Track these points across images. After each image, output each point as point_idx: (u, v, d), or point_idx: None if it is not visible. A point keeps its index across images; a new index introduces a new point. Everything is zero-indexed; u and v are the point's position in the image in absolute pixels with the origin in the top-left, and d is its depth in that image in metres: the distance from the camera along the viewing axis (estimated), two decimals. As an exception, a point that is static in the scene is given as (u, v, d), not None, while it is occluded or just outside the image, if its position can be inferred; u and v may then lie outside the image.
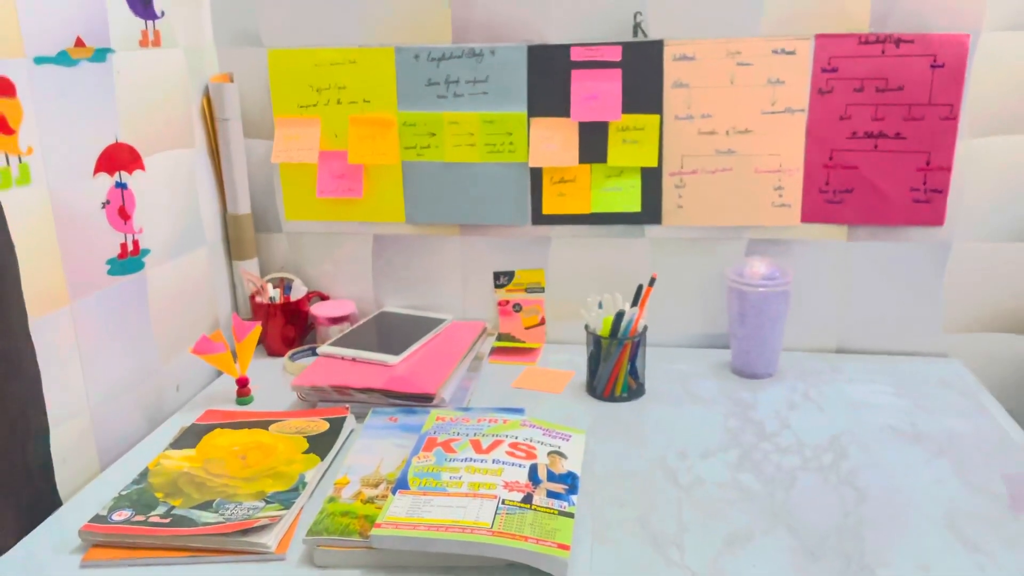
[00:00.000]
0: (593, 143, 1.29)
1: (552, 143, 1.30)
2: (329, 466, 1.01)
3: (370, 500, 0.90)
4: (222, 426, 1.10)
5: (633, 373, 1.20)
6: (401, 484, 0.91)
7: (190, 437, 1.08)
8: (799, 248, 1.30)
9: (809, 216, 1.28)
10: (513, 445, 0.98)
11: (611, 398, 1.19)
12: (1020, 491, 0.93)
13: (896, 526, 0.88)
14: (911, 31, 1.19)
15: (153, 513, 0.90)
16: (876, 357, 1.31)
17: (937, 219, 1.25)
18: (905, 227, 1.27)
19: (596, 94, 1.27)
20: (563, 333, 1.39)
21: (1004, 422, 1.10)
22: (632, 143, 1.29)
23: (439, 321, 1.36)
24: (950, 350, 1.31)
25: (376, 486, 0.93)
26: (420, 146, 1.34)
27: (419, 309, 1.42)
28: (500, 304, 1.39)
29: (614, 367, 1.18)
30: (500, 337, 1.40)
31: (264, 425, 1.09)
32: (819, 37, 1.21)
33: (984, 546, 0.84)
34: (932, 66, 1.20)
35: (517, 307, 1.39)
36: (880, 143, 1.23)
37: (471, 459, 0.95)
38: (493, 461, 0.95)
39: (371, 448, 1.02)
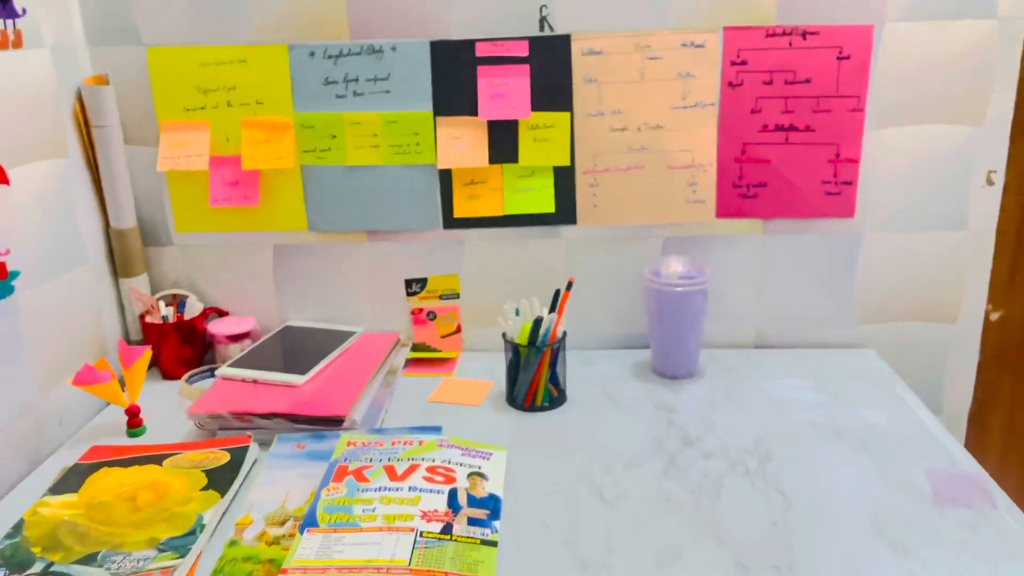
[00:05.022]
0: (503, 143, 1.24)
1: (461, 143, 1.24)
2: (230, 503, 0.93)
3: (275, 541, 0.83)
4: (109, 464, 1.00)
5: (554, 380, 1.15)
6: (309, 521, 0.84)
7: (72, 479, 0.98)
8: (715, 244, 1.28)
9: (724, 211, 1.26)
10: (430, 469, 0.93)
11: (532, 408, 1.15)
12: (942, 486, 0.93)
13: (824, 532, 0.86)
14: (817, 23, 1.18)
15: (30, 571, 0.81)
16: (794, 351, 1.31)
17: (848, 211, 1.25)
18: (818, 219, 1.26)
19: (504, 91, 1.22)
20: (481, 340, 1.34)
21: (920, 413, 1.10)
22: (543, 141, 1.24)
23: (348, 334, 1.29)
24: (864, 340, 1.32)
25: (282, 524, 0.86)
26: (320, 149, 1.26)
27: (327, 322, 1.34)
28: (413, 313, 1.33)
29: (534, 376, 1.13)
30: (415, 347, 1.34)
31: (157, 460, 1.00)
32: (727, 30, 1.19)
33: (912, 548, 0.83)
34: (838, 58, 1.19)
35: (431, 315, 1.33)
36: (791, 136, 1.22)
37: (385, 488, 0.89)
38: (409, 489, 0.89)
39: (276, 480, 0.95)
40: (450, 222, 1.28)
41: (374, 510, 0.85)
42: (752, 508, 0.91)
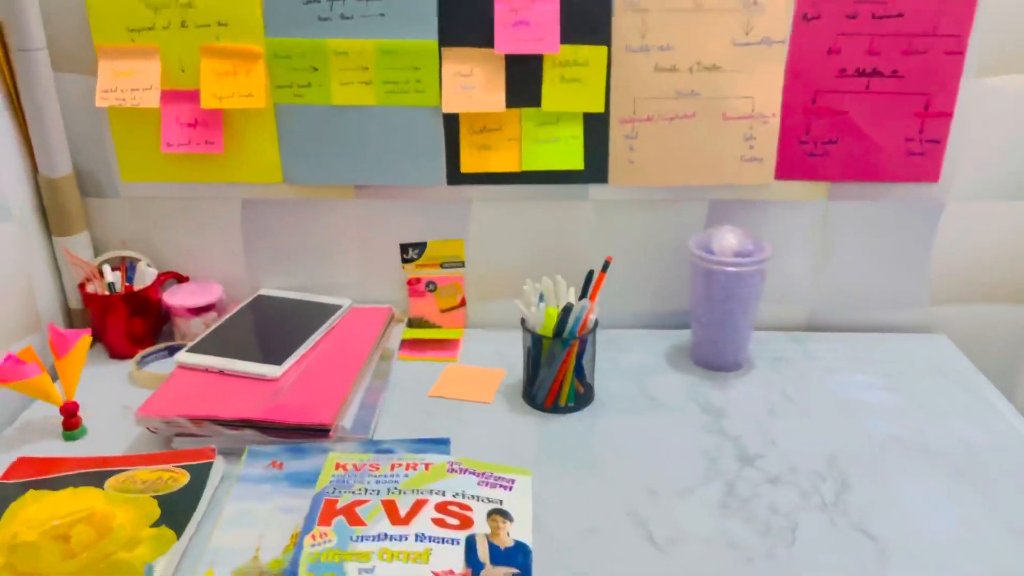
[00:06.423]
0: (524, 82, 1.02)
1: (471, 82, 1.01)
2: (187, 546, 0.74)
3: (245, 614, 0.65)
4: (37, 484, 0.80)
5: (579, 374, 0.96)
6: (289, 588, 0.65)
7: (-9, 506, 0.78)
8: (770, 210, 1.08)
9: (785, 172, 1.06)
10: (441, 507, 0.74)
11: (555, 409, 0.96)
12: (1066, 532, 0.76)
13: (935, 598, 0.70)
14: (917, -58, 0.96)
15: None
16: (852, 335, 1.12)
17: (932, 174, 1.05)
18: (894, 184, 1.06)
19: (527, 18, 0.98)
20: (488, 316, 1.14)
21: (1018, 425, 0.93)
22: (573, 82, 1.01)
23: (333, 308, 1.09)
24: (933, 324, 1.14)
25: (254, 587, 0.68)
26: (298, 85, 1.03)
27: (306, 292, 1.13)
28: (410, 283, 1.12)
29: (558, 372, 0.94)
30: (411, 323, 1.14)
31: (98, 480, 0.81)
32: (807, -53, 0.96)
33: (1044, 621, 0.67)
34: (940, -13, 0.97)
35: (431, 286, 1.13)
36: (873, 83, 1.01)
37: (386, 536, 0.70)
38: (417, 537, 0.70)
39: (247, 515, 0.76)
40: (456, 177, 1.07)
41: (372, 571, 0.66)
42: (838, 559, 0.73)
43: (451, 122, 1.04)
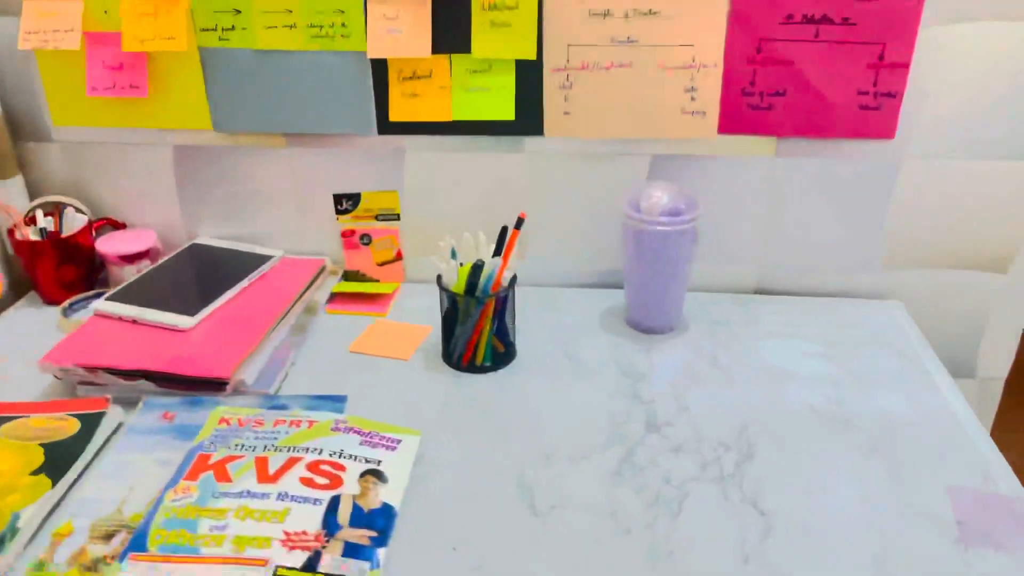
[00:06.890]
0: (452, 26, 0.97)
1: (397, 25, 0.97)
2: (63, 497, 0.74)
3: (93, 566, 0.65)
4: (-66, 428, 0.81)
5: (501, 333, 0.94)
6: (137, 543, 0.65)
7: None
8: (715, 166, 1.03)
9: (729, 126, 1.00)
10: (313, 466, 0.73)
11: (471, 368, 0.94)
12: (969, 516, 0.72)
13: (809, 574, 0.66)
14: None
15: None
16: (802, 300, 1.08)
17: (887, 131, 0.99)
18: (846, 140, 1.00)
19: (452, -42, 0.94)
20: (425, 270, 1.11)
21: (950, 397, 0.88)
22: (503, 27, 0.97)
23: (264, 259, 1.07)
24: (889, 290, 1.08)
25: (109, 539, 0.67)
26: (222, 28, 1.00)
27: (243, 241, 1.12)
28: (344, 235, 1.10)
29: (474, 331, 0.91)
30: (347, 276, 1.12)
31: (-8, 426, 0.81)
32: None
33: (922, 608, 0.63)
34: (897, -74, 0.89)
35: (365, 239, 1.10)
36: (823, 30, 0.94)
37: (248, 493, 0.69)
38: (278, 496, 0.69)
39: (123, 467, 0.76)
40: (386, 126, 1.03)
41: (224, 528, 0.66)
42: (719, 533, 0.70)
43: (380, 69, 1.00)
